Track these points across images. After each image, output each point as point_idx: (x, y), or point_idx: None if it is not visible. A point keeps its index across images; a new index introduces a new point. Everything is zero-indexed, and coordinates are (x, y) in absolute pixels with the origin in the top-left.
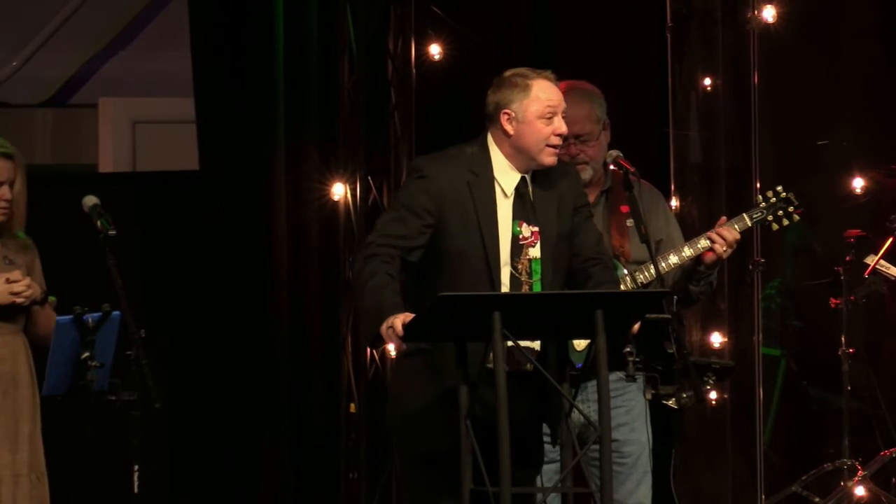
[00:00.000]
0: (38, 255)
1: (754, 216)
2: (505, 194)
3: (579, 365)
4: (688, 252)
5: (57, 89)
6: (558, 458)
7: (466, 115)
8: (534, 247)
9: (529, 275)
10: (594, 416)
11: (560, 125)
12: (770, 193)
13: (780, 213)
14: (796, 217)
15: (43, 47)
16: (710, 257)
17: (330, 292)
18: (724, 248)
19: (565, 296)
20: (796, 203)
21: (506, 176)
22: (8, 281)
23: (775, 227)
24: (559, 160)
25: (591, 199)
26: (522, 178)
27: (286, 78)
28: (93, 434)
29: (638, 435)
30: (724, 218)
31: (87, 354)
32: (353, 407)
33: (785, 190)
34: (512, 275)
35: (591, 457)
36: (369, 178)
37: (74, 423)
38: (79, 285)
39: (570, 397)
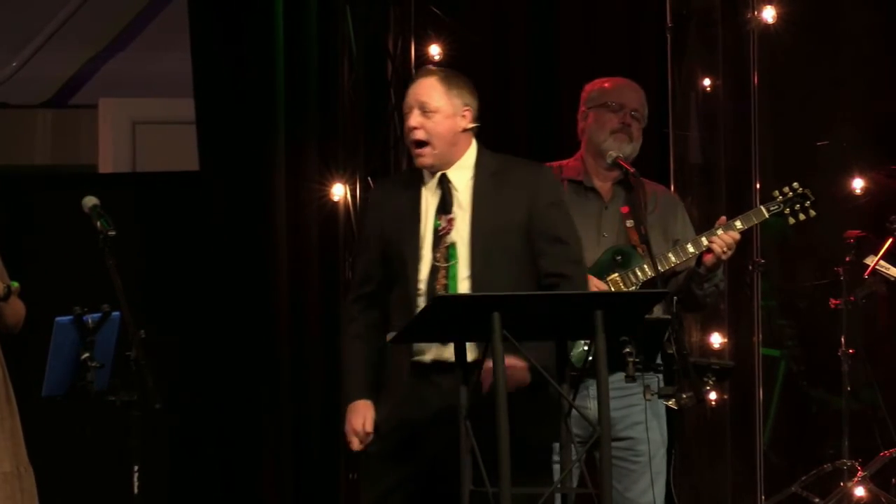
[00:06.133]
0: None
1: (772, 209)
2: (432, 193)
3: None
4: (691, 249)
5: (57, 90)
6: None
7: None
8: (449, 234)
9: (446, 259)
10: (612, 414)
11: (408, 121)
12: (787, 188)
13: (797, 207)
14: (812, 212)
15: (43, 48)
16: (709, 259)
17: (330, 292)
18: (724, 249)
19: (564, 296)
20: (813, 199)
21: (430, 176)
22: None
23: (791, 220)
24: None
25: (608, 186)
26: (442, 175)
27: (286, 78)
28: (92, 435)
29: (653, 434)
30: (723, 218)
31: (86, 355)
32: None
33: (801, 186)
34: (433, 265)
35: None
36: (369, 178)
37: (74, 424)
38: (79, 286)
39: (568, 398)
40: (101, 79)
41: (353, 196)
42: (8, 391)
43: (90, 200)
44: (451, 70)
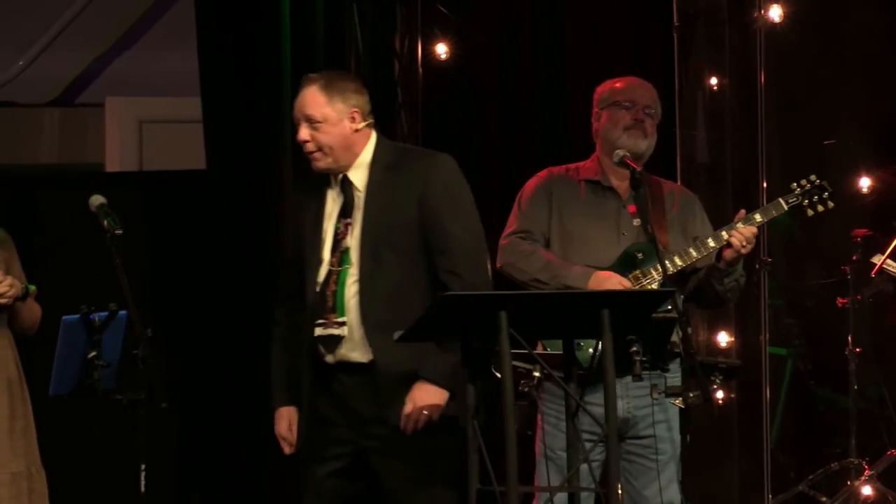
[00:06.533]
0: (13, 246)
1: (790, 201)
2: (337, 195)
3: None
4: (712, 244)
5: (63, 88)
6: (597, 457)
7: (472, 113)
8: (344, 238)
9: (339, 263)
10: (635, 412)
11: (298, 135)
12: (804, 181)
13: (815, 198)
14: (831, 204)
15: (49, 46)
16: (728, 254)
17: None
18: (743, 243)
19: (571, 295)
20: (830, 190)
21: (335, 179)
22: None
23: (810, 212)
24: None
25: (626, 185)
26: (344, 177)
27: (293, 77)
28: (99, 433)
29: (673, 434)
30: (742, 212)
31: (93, 354)
32: None
33: (819, 178)
34: (329, 269)
35: (627, 450)
36: None
37: (81, 423)
38: (85, 284)
39: (576, 397)
40: (107, 77)
41: None
42: (23, 391)
43: (97, 199)
44: (333, 73)
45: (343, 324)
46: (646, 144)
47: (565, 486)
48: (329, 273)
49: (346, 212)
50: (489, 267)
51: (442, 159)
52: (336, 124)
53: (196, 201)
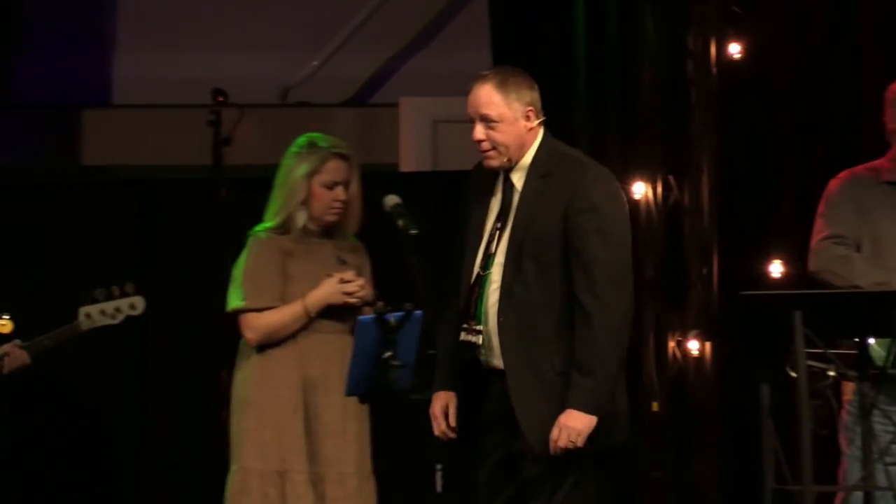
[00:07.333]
0: (368, 259)
1: None
2: (498, 196)
3: None
4: None
5: (357, 89)
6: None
7: (766, 113)
8: (493, 242)
9: (485, 268)
10: None
11: (473, 133)
12: None
13: None
14: None
15: (343, 47)
16: None
17: None
18: None
19: (864, 294)
20: None
21: (500, 176)
22: (342, 281)
23: None
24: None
25: None
26: (506, 178)
27: (587, 76)
28: (395, 433)
29: None
30: None
31: (389, 354)
32: (655, 406)
33: None
34: (477, 272)
35: None
36: (670, 177)
37: (377, 423)
38: (381, 284)
39: (871, 397)
40: (401, 77)
41: (654, 194)
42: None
43: (392, 199)
44: (507, 70)
45: (480, 332)
46: None
47: (860, 486)
48: (477, 276)
49: (501, 214)
50: (631, 288)
51: (594, 172)
52: (513, 123)
53: None
